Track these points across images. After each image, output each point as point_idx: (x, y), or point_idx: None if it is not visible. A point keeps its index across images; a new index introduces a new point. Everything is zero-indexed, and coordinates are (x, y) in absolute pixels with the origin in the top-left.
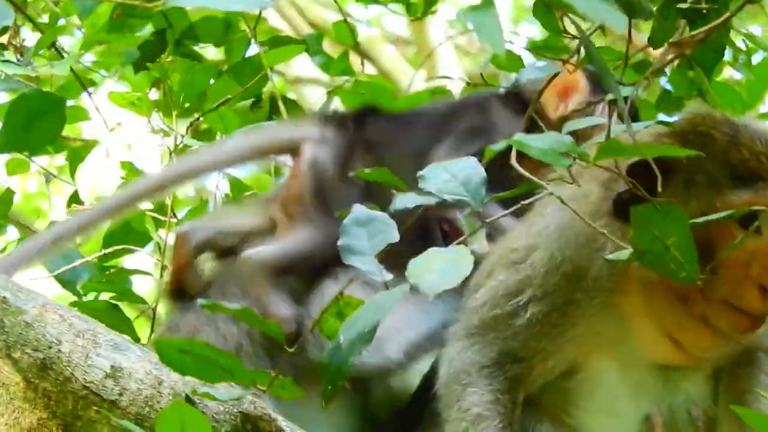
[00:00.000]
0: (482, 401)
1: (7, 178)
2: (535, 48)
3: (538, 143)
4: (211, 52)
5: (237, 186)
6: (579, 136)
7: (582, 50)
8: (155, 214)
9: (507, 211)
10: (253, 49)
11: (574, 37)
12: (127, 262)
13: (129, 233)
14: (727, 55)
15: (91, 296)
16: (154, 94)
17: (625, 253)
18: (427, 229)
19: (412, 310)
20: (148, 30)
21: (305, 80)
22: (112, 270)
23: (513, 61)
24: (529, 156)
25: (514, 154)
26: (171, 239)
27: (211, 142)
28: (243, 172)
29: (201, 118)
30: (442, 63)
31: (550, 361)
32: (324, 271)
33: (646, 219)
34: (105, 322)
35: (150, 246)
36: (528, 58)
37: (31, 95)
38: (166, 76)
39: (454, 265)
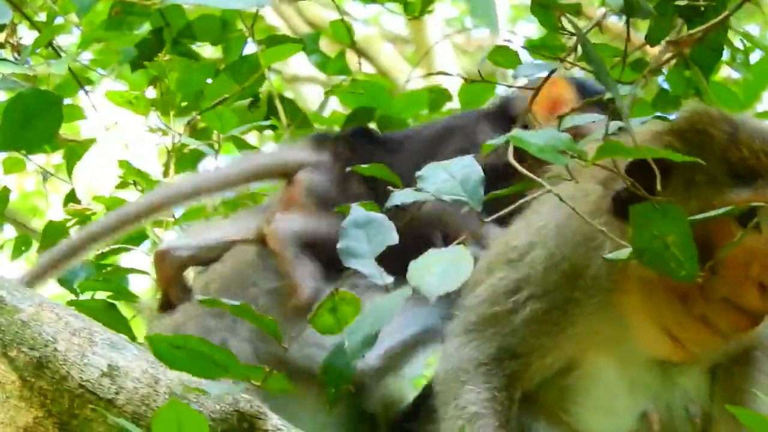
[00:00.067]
0: (479, 399)
1: (4, 176)
2: (532, 47)
3: (536, 140)
4: (208, 51)
5: None
6: (573, 135)
7: (579, 48)
8: None
9: (507, 211)
10: (251, 48)
11: (572, 34)
12: (124, 260)
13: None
14: (725, 54)
15: (87, 295)
16: (151, 93)
17: (625, 251)
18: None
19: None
20: (145, 28)
21: (303, 79)
22: (108, 269)
23: (510, 58)
24: (524, 158)
25: (511, 150)
26: (168, 237)
27: (208, 141)
28: None
29: (198, 117)
30: (440, 61)
31: (548, 358)
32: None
33: (646, 217)
34: (102, 321)
35: (147, 245)
36: (525, 57)
37: (28, 94)
38: (164, 75)
39: (454, 267)
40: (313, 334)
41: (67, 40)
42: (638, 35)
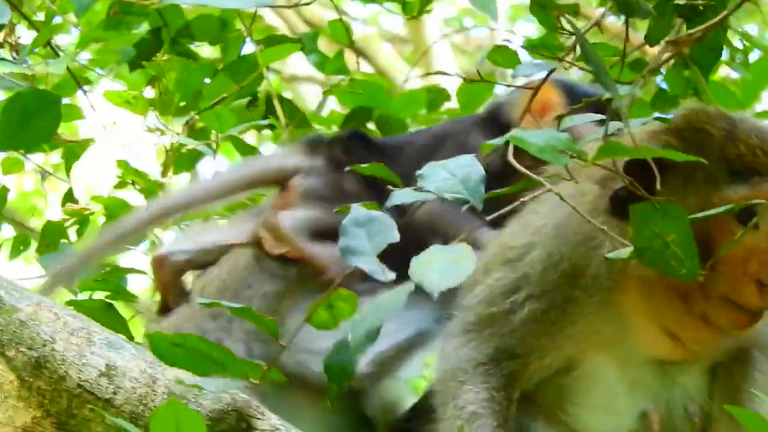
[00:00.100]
0: (477, 399)
1: (2, 177)
2: (531, 46)
3: (535, 140)
4: (206, 51)
5: None
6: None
7: (578, 48)
8: None
9: (503, 212)
10: (249, 48)
11: (571, 34)
12: (123, 260)
13: None
14: (724, 54)
15: (85, 295)
16: (149, 93)
17: (626, 251)
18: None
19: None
20: (144, 28)
21: (301, 78)
22: (107, 268)
23: (509, 58)
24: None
25: (511, 150)
26: (166, 237)
27: (207, 141)
28: None
29: (197, 117)
30: (439, 61)
31: (547, 358)
32: None
33: (646, 217)
34: (100, 321)
35: (145, 245)
36: (524, 57)
37: (27, 93)
38: (162, 75)
39: (455, 265)
40: (304, 340)
41: (65, 40)
42: (637, 35)
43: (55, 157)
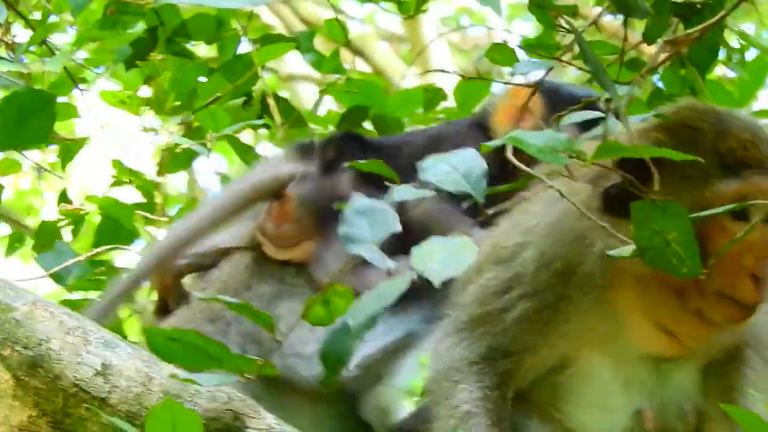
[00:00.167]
0: (471, 398)
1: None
2: (528, 45)
3: (535, 141)
4: (202, 50)
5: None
6: None
7: (576, 47)
8: (145, 213)
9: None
10: (245, 47)
11: (568, 32)
12: (117, 260)
13: (118, 231)
14: (721, 53)
15: (79, 294)
16: (145, 92)
17: (627, 249)
18: None
19: None
20: (140, 27)
21: (298, 77)
22: (101, 268)
23: (507, 56)
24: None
25: (510, 149)
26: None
27: (202, 140)
28: (235, 171)
29: (192, 116)
30: (435, 60)
31: (541, 356)
32: None
33: (646, 215)
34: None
35: (140, 244)
36: (522, 56)
37: (23, 93)
38: (158, 74)
39: (456, 255)
40: (294, 345)
41: (61, 39)
42: (634, 34)
43: (52, 156)
